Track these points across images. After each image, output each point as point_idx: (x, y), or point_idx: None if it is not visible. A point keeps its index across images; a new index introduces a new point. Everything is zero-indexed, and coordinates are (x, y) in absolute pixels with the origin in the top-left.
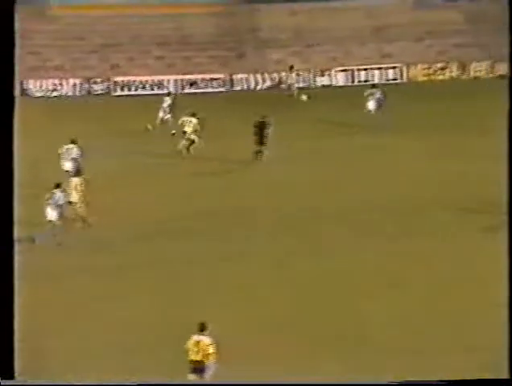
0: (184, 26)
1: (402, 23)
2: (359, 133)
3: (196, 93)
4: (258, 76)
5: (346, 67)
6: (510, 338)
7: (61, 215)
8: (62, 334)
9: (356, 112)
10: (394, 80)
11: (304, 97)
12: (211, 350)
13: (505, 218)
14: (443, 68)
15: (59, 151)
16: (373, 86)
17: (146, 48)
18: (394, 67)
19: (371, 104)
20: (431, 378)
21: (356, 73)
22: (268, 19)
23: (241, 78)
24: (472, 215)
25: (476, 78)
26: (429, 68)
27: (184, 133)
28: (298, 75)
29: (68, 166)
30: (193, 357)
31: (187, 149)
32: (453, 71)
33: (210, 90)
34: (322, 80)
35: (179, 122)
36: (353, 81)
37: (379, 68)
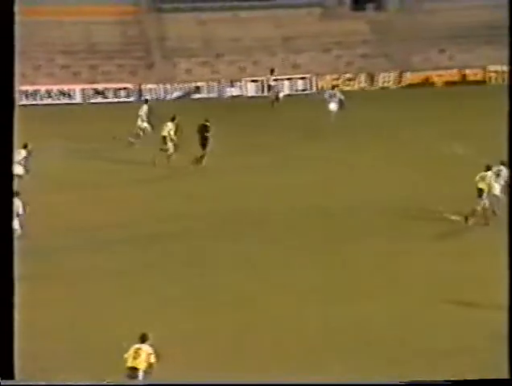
0: (92, 34)
1: (310, 34)
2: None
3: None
4: (168, 86)
5: (256, 78)
6: (510, 338)
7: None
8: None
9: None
10: (304, 90)
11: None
12: (152, 359)
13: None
14: (351, 79)
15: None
16: (333, 88)
17: (51, 56)
18: (303, 78)
19: (332, 106)
20: (431, 378)
21: (266, 83)
22: (176, 28)
23: (150, 88)
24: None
25: (383, 88)
26: (338, 79)
27: (165, 138)
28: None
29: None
30: (129, 363)
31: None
32: (361, 81)
33: (117, 100)
34: (232, 91)
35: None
36: (263, 91)
37: (289, 79)
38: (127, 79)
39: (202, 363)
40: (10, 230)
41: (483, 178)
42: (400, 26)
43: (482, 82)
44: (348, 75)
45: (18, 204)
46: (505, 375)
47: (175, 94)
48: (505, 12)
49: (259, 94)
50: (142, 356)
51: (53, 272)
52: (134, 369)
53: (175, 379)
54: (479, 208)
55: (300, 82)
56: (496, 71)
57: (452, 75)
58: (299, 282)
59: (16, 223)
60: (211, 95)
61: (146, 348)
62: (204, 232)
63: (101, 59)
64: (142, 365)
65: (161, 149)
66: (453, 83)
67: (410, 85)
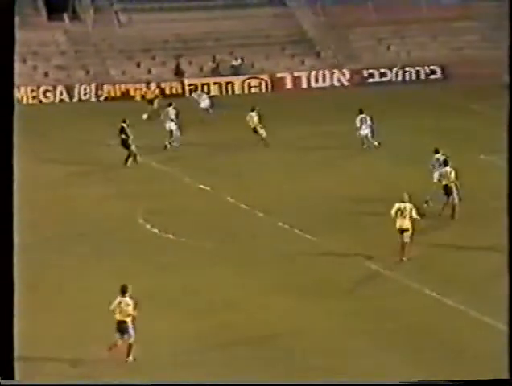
0: None
1: None
2: None
3: None
4: None
5: None
6: (510, 338)
7: None
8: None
9: None
10: None
11: None
12: (130, 310)
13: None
14: (49, 91)
15: None
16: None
17: None
18: None
19: (204, 104)
20: (431, 378)
21: None
22: None
23: None
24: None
25: (82, 101)
26: (36, 90)
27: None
28: None
29: None
30: (117, 317)
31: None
32: (60, 94)
33: None
34: None
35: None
36: None
37: None
38: None
39: None
40: (10, 229)
41: (444, 176)
42: (97, 38)
43: (181, 95)
44: (45, 87)
45: None
46: (505, 375)
47: None
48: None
49: None
50: (125, 309)
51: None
52: (122, 322)
53: None
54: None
55: None
56: (193, 84)
57: (149, 89)
58: None
59: None
60: None
61: (126, 301)
62: None
63: None
64: (127, 317)
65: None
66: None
67: (110, 98)
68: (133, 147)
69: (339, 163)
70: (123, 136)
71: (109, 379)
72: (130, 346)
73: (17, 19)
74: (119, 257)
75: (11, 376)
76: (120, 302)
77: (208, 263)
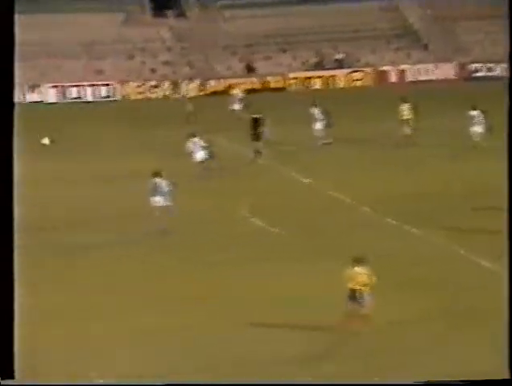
0: None
1: (113, 40)
2: None
3: None
4: None
5: (57, 84)
6: (510, 338)
7: None
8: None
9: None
10: (107, 97)
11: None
12: (366, 279)
13: None
14: (155, 86)
15: None
16: None
17: None
18: (106, 84)
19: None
20: (431, 377)
21: (68, 90)
22: None
23: None
24: None
25: (185, 96)
26: (142, 86)
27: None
28: None
29: None
30: (351, 286)
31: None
32: (166, 89)
33: None
34: (32, 96)
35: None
36: (64, 98)
37: (92, 85)
38: None
39: None
40: (10, 228)
41: None
42: (202, 34)
43: (282, 89)
44: (152, 83)
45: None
46: (505, 375)
47: None
48: (298, 20)
49: (60, 100)
50: (359, 278)
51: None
52: (355, 291)
53: None
54: None
55: (104, 88)
56: (296, 78)
57: (254, 82)
58: None
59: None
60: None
61: (360, 270)
62: None
63: None
64: (361, 286)
65: None
66: (255, 90)
67: (214, 93)
68: (261, 143)
69: (449, 160)
70: (257, 129)
71: None
72: (363, 317)
73: (122, 16)
74: (228, 250)
75: (11, 376)
76: (355, 272)
77: (312, 258)
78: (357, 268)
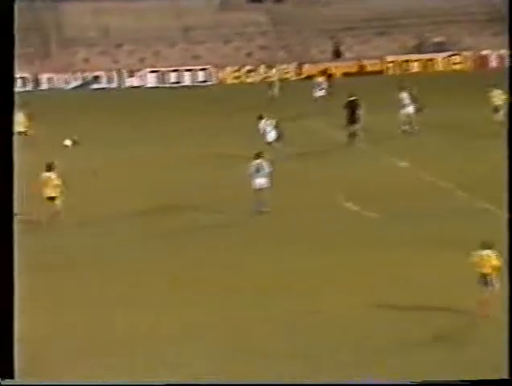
0: None
1: (210, 25)
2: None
3: None
4: (66, 76)
5: (156, 69)
6: (510, 338)
7: None
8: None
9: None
10: (204, 81)
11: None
12: (497, 263)
13: None
14: (251, 70)
15: None
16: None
17: None
18: (203, 69)
19: None
20: (431, 377)
21: (166, 75)
22: (71, 17)
23: (48, 77)
24: None
25: (283, 80)
26: (239, 70)
27: None
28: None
29: None
30: (480, 270)
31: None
32: (261, 73)
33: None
34: (132, 81)
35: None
36: (163, 82)
37: (189, 70)
38: (23, 68)
39: None
40: (10, 228)
41: None
42: (298, 17)
43: (379, 72)
44: (248, 67)
45: None
46: (505, 375)
47: (73, 84)
48: (398, 3)
49: (160, 85)
50: (488, 261)
51: None
52: (485, 275)
53: None
54: None
55: (201, 73)
56: (393, 62)
57: (350, 66)
58: None
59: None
60: (111, 85)
61: (490, 254)
62: None
63: None
64: (490, 270)
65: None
66: (351, 74)
67: (309, 76)
68: (357, 125)
69: None
70: (353, 112)
71: None
72: (494, 301)
73: (218, 1)
74: (323, 234)
75: (11, 376)
76: (483, 255)
77: (400, 242)
78: (486, 252)
